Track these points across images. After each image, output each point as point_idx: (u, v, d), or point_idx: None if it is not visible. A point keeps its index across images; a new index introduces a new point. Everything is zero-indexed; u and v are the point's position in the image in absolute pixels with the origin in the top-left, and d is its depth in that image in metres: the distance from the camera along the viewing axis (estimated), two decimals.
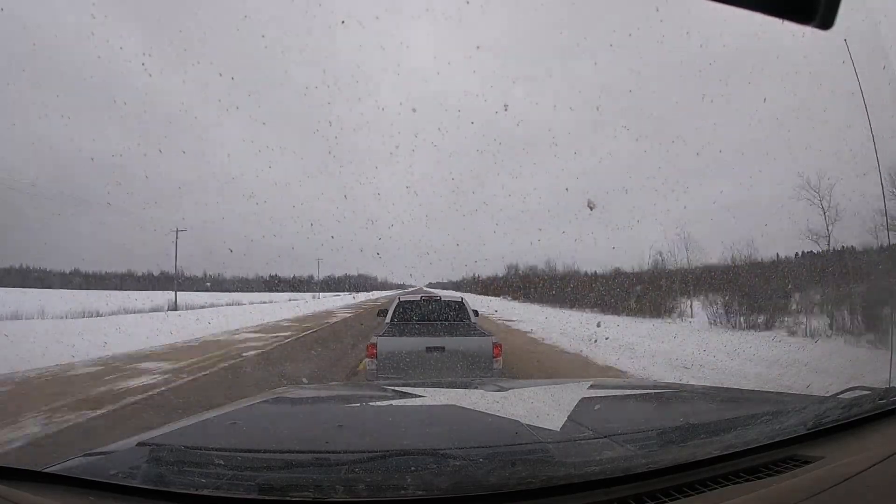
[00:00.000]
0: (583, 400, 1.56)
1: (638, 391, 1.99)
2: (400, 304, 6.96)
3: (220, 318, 18.80)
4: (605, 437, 1.17)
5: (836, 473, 0.95)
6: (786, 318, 12.98)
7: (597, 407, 1.57)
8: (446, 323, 6.58)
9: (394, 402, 1.69)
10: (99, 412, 5.19)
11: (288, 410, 1.75)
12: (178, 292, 31.75)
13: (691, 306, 18.02)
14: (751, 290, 13.95)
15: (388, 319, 6.71)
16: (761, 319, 13.36)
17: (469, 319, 6.74)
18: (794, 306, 13.75)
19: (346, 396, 2.11)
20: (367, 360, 5.28)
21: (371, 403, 1.80)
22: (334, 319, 20.24)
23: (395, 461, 1.00)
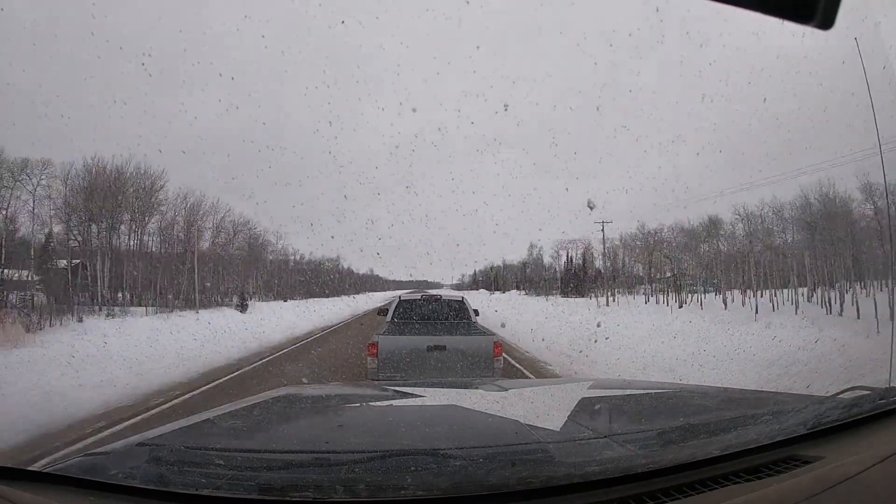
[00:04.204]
0: (583, 400, 1.56)
1: (638, 391, 1.99)
2: (401, 303, 6.95)
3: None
4: (605, 437, 1.17)
5: (836, 473, 0.95)
6: None
7: (597, 407, 1.57)
8: (447, 322, 6.58)
9: (394, 402, 1.68)
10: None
11: (288, 410, 1.75)
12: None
13: None
14: None
15: (388, 318, 6.71)
16: None
17: (470, 318, 6.73)
18: None
19: (346, 396, 2.11)
20: (369, 358, 5.28)
21: (371, 403, 1.80)
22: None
23: (395, 461, 1.00)
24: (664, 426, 1.32)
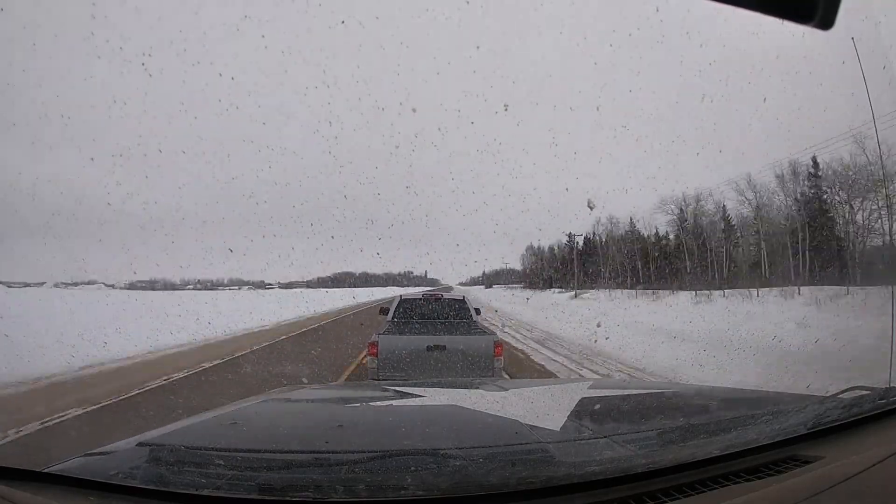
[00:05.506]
0: (583, 400, 1.56)
1: (638, 391, 1.99)
2: (401, 302, 6.94)
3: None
4: (605, 437, 1.16)
5: (836, 473, 0.95)
6: None
7: (597, 407, 1.57)
8: (447, 321, 6.56)
9: (394, 402, 1.68)
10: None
11: (288, 410, 1.75)
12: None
13: None
14: None
15: (389, 317, 6.69)
16: None
17: (470, 318, 6.72)
18: None
19: (346, 396, 2.11)
20: (369, 357, 5.28)
21: (371, 403, 1.80)
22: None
23: (395, 461, 1.00)
24: (664, 426, 1.32)
